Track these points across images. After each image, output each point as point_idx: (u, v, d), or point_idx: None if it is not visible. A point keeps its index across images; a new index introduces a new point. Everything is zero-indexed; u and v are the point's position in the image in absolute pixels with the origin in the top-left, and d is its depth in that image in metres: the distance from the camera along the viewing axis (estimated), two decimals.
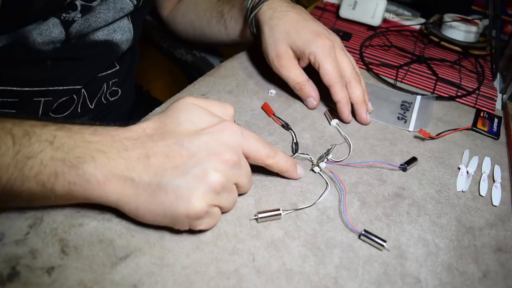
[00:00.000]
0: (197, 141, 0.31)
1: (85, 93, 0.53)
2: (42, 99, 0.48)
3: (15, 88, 0.46)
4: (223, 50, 0.85)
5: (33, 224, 0.32)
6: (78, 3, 0.45)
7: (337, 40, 0.50)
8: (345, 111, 0.48)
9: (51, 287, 0.28)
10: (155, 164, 0.30)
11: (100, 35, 0.51)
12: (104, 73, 0.55)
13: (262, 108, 0.51)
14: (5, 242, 0.31)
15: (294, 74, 0.50)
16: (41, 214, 0.33)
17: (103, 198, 0.30)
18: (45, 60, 0.46)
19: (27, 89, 0.47)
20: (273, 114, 0.49)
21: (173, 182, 0.30)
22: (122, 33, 0.53)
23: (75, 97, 0.52)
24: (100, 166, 0.29)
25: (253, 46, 0.64)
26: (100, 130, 0.31)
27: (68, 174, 0.29)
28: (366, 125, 0.50)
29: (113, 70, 0.56)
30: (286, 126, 0.48)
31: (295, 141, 0.46)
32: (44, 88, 0.48)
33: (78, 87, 0.51)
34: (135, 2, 0.52)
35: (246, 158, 0.34)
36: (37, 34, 0.43)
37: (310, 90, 0.50)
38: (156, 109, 0.48)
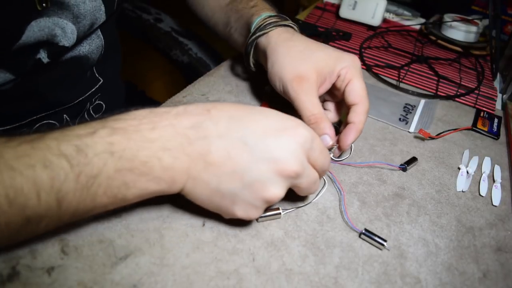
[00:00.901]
0: (262, 143, 0.30)
1: (67, 117, 0.50)
2: (18, 132, 0.44)
3: None
4: (223, 50, 0.85)
5: None
6: (43, 58, 0.41)
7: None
8: (355, 136, 0.41)
9: (51, 287, 0.28)
10: (215, 163, 0.29)
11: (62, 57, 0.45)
12: (88, 93, 0.51)
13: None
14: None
15: (313, 104, 0.41)
16: None
17: (170, 192, 0.31)
18: (8, 98, 0.42)
19: (0, 128, 0.44)
20: None
21: (230, 190, 0.30)
22: (89, 43, 0.47)
23: (55, 122, 0.48)
24: (167, 168, 0.29)
25: None
26: (158, 121, 0.29)
27: (138, 182, 0.28)
28: (342, 151, 0.43)
29: (98, 85, 0.52)
30: None
31: None
32: (18, 124, 0.44)
33: (55, 110, 0.47)
34: (106, 14, 0.47)
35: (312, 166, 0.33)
36: None
37: (326, 127, 0.40)
38: None
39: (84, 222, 0.33)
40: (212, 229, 0.34)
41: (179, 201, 0.36)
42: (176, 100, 0.50)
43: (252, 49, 0.48)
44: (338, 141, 0.41)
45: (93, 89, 0.52)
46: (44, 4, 0.39)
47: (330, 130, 0.41)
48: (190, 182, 0.30)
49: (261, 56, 0.48)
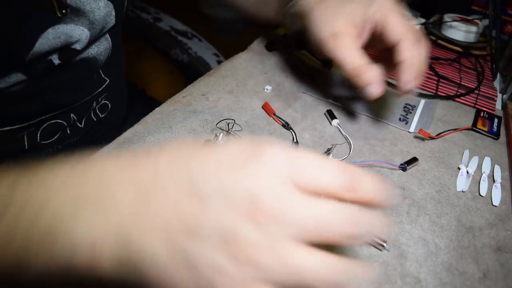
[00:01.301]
0: (216, 182, 0.20)
1: (74, 116, 0.50)
2: (25, 132, 0.46)
3: None
4: (223, 50, 0.85)
5: None
6: (54, 59, 0.41)
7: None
8: (411, 73, 0.39)
9: None
10: (159, 220, 0.20)
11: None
12: (94, 93, 0.51)
13: (262, 107, 0.51)
14: None
15: (352, 57, 0.40)
16: None
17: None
18: (17, 99, 0.42)
19: (8, 128, 0.43)
20: (274, 114, 0.49)
21: (192, 256, 0.19)
22: (98, 45, 0.48)
23: (62, 122, 0.49)
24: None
25: (252, 46, 0.65)
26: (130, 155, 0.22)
27: (13, 247, 0.20)
28: (403, 92, 0.41)
29: (104, 85, 0.53)
30: (286, 126, 0.48)
31: (295, 140, 0.46)
32: (26, 124, 0.45)
33: (63, 110, 0.48)
34: (116, 18, 0.47)
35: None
36: None
37: (370, 76, 0.40)
38: (156, 109, 0.48)
39: None
40: None
41: None
42: (176, 100, 0.50)
43: (290, 16, 0.48)
44: (398, 87, 0.41)
45: (100, 89, 0.52)
46: (64, 11, 0.39)
47: (377, 78, 0.40)
48: (122, 259, 0.21)
49: (298, 23, 0.48)
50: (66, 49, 0.42)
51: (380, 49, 0.45)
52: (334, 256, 0.21)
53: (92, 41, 0.46)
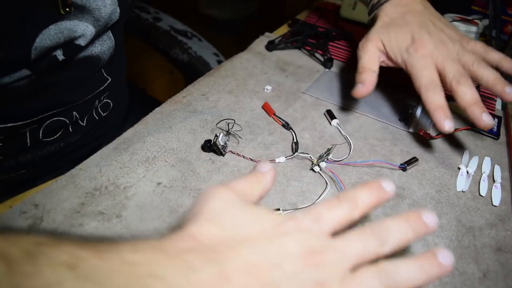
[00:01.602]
0: (274, 246, 0.23)
1: (77, 114, 0.51)
2: (27, 129, 0.46)
3: None
4: (223, 50, 0.85)
5: (33, 224, 0.32)
6: (59, 55, 0.42)
7: (445, 42, 0.46)
8: (437, 117, 0.42)
9: None
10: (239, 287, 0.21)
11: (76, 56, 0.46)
12: (97, 91, 0.52)
13: (262, 107, 0.51)
14: None
15: (366, 60, 0.48)
16: (41, 214, 0.33)
17: None
18: (20, 95, 0.43)
19: (11, 124, 0.44)
20: (274, 114, 0.49)
21: None
22: (101, 43, 0.48)
23: (64, 119, 0.49)
24: None
25: (252, 46, 0.65)
26: (143, 244, 0.22)
27: None
28: (486, 127, 0.43)
29: (106, 84, 0.53)
30: (286, 126, 0.48)
31: (295, 140, 0.46)
32: (29, 120, 0.45)
33: (66, 107, 0.48)
34: (120, 15, 0.47)
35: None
36: None
37: (366, 77, 0.46)
38: (156, 109, 0.48)
39: (84, 222, 0.33)
40: None
41: (179, 201, 0.36)
42: (176, 100, 0.50)
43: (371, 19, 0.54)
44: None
45: (102, 88, 0.53)
46: (67, 9, 0.39)
47: (367, 81, 0.46)
48: None
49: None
50: (70, 44, 0.42)
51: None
52: None
53: (95, 37, 0.46)
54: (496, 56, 0.46)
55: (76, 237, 0.23)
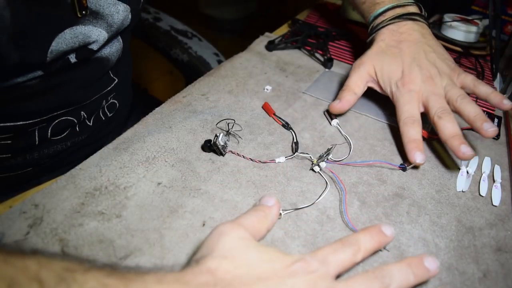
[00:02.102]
0: (285, 285, 0.25)
1: (84, 114, 0.52)
2: (36, 127, 0.47)
3: (9, 124, 0.44)
4: (223, 50, 0.85)
5: (33, 224, 0.32)
6: (71, 58, 0.43)
7: (434, 80, 0.47)
8: (408, 149, 0.44)
9: None
10: None
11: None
12: (104, 91, 0.53)
13: (262, 107, 0.51)
14: (5, 242, 0.31)
15: (353, 80, 0.50)
16: (41, 214, 0.33)
17: None
18: (31, 94, 0.44)
19: (21, 122, 0.44)
20: (274, 114, 0.49)
21: None
22: (110, 45, 0.50)
23: (73, 119, 0.50)
24: None
25: (252, 46, 0.64)
26: (167, 276, 0.24)
27: None
28: (465, 159, 0.44)
29: (113, 85, 0.54)
30: (286, 126, 0.48)
31: (295, 140, 0.46)
32: (39, 119, 0.46)
33: (74, 107, 0.49)
34: (131, 19, 0.49)
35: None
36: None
37: (345, 96, 0.49)
38: (156, 109, 0.48)
39: (84, 222, 0.33)
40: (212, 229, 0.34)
41: (179, 201, 0.36)
42: (176, 100, 0.50)
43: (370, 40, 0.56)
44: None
45: (109, 88, 0.54)
46: (84, 12, 0.40)
47: (345, 101, 0.49)
48: None
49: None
50: (84, 49, 0.43)
51: None
52: None
53: (107, 42, 0.47)
54: (484, 89, 0.47)
55: (105, 265, 0.24)
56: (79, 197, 0.35)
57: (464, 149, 0.42)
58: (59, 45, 0.40)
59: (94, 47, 0.45)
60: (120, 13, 0.45)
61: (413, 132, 0.44)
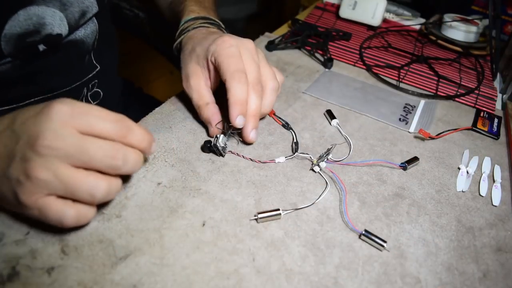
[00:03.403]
0: (23, 125, 0.29)
1: None
2: None
3: None
4: None
5: (33, 224, 0.32)
6: (40, 47, 0.43)
7: (247, 44, 0.44)
8: (234, 112, 0.40)
9: (51, 287, 0.28)
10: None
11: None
12: (85, 79, 0.53)
13: None
14: (5, 242, 0.31)
15: (197, 96, 0.44)
16: None
17: None
18: (6, 81, 0.44)
19: None
20: (274, 114, 0.49)
21: (5, 173, 0.29)
22: (84, 27, 0.49)
23: None
24: None
25: None
26: None
27: None
28: (248, 143, 0.44)
29: (94, 72, 0.54)
30: (286, 126, 0.48)
31: (295, 140, 0.46)
32: (15, 105, 0.45)
33: (53, 93, 0.49)
34: (98, 3, 0.49)
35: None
36: None
37: (209, 114, 0.43)
38: (156, 109, 0.48)
39: None
40: (212, 229, 0.34)
41: (179, 201, 0.36)
42: (176, 100, 0.50)
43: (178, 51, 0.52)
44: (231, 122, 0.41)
45: (90, 75, 0.54)
46: None
47: (213, 116, 0.43)
48: None
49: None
50: (49, 37, 0.43)
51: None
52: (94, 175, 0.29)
53: (74, 25, 0.47)
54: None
55: None
56: None
57: (240, 120, 0.40)
58: (12, 28, 0.40)
59: (58, 30, 0.44)
60: None
61: (240, 91, 0.40)
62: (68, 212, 0.29)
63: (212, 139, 0.41)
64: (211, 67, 0.44)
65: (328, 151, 0.43)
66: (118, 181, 0.31)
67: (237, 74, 0.40)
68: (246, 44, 0.44)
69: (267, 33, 0.70)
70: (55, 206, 0.29)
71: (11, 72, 0.43)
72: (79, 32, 0.49)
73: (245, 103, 0.40)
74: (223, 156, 0.42)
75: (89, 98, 0.56)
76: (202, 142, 0.43)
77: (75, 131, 0.29)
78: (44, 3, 0.42)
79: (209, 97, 0.45)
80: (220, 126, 0.43)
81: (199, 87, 0.44)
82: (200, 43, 0.45)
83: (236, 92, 0.40)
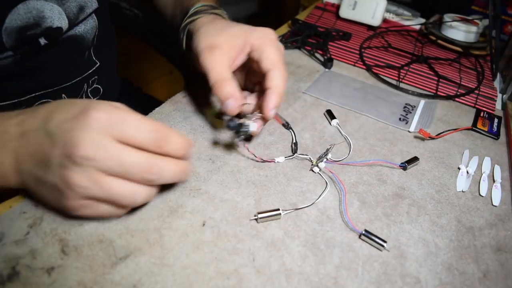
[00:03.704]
0: (60, 131, 0.29)
1: (65, 97, 0.51)
2: (17, 109, 0.47)
3: None
4: None
5: (33, 224, 0.32)
6: (41, 39, 0.43)
7: (281, 45, 0.44)
8: (271, 102, 0.40)
9: (51, 287, 0.28)
10: (30, 154, 0.31)
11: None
12: (85, 74, 0.53)
13: None
14: (5, 242, 0.31)
15: (219, 70, 0.40)
16: (41, 214, 0.33)
17: (6, 185, 0.33)
18: (7, 75, 0.44)
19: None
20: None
21: (44, 178, 0.30)
22: (84, 23, 0.50)
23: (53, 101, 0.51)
24: None
25: None
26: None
27: None
28: (267, 120, 0.42)
29: (94, 68, 0.55)
30: (286, 125, 0.48)
31: (294, 141, 0.46)
32: (16, 100, 0.46)
33: (53, 89, 0.49)
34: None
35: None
36: None
37: (230, 91, 0.40)
38: (156, 109, 0.48)
39: (85, 222, 0.33)
40: (212, 229, 0.34)
41: (179, 201, 0.36)
42: (176, 100, 0.50)
43: (184, 36, 0.49)
44: (261, 111, 0.41)
45: (90, 71, 0.54)
46: None
47: (235, 94, 0.40)
48: (20, 176, 0.32)
49: (188, 42, 0.48)
50: (49, 30, 0.44)
51: (255, 82, 0.46)
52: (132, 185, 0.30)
53: (73, 19, 0.47)
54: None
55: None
56: None
57: (273, 112, 0.40)
58: (13, 22, 0.40)
59: (58, 24, 0.45)
60: None
61: (282, 84, 0.41)
62: (116, 212, 0.32)
63: (230, 118, 0.40)
64: (247, 50, 0.43)
65: (327, 152, 0.43)
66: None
67: (282, 66, 0.41)
68: (280, 44, 0.44)
69: None
70: (101, 208, 0.31)
71: (12, 66, 0.43)
72: (79, 27, 0.49)
73: (281, 96, 0.40)
74: (248, 140, 0.40)
75: (89, 94, 0.56)
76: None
77: (112, 140, 0.29)
78: None
79: (231, 74, 0.41)
80: (244, 108, 0.42)
81: (224, 61, 0.42)
82: (234, 24, 0.44)
83: (279, 83, 0.40)
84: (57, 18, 0.45)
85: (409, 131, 0.51)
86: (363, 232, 0.35)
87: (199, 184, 0.39)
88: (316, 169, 0.42)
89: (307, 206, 0.38)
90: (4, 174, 0.32)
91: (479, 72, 0.68)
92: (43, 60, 0.46)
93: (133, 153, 0.29)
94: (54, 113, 0.31)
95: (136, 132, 0.29)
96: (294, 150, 0.44)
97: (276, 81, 0.40)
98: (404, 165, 0.44)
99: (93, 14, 0.51)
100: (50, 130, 0.30)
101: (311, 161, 0.43)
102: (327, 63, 0.62)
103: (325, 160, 0.42)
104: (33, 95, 0.47)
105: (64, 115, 0.30)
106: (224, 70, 0.41)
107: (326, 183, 0.41)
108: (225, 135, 0.45)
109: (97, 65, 0.55)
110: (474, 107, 0.58)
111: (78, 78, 0.52)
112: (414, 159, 0.45)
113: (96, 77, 0.56)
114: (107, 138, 0.29)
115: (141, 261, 0.31)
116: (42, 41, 0.44)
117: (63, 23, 0.46)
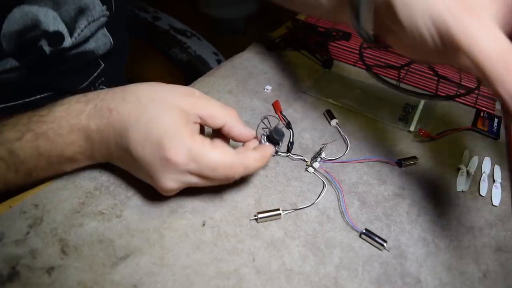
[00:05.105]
0: (141, 160, 0.32)
1: None
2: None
3: None
4: (222, 49, 0.85)
5: (33, 224, 0.32)
6: (44, 46, 0.43)
7: None
8: None
9: (51, 287, 0.28)
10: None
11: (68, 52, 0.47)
12: (91, 78, 0.53)
13: (272, 105, 0.51)
14: (5, 242, 0.31)
15: (496, 41, 0.26)
16: (41, 214, 0.33)
17: (97, 161, 0.37)
18: (12, 88, 0.44)
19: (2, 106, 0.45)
20: (280, 112, 0.49)
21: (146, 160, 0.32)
22: (96, 40, 0.50)
23: None
24: (89, 157, 0.36)
25: (252, 46, 0.64)
26: (74, 125, 0.34)
27: (69, 166, 0.36)
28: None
29: (99, 70, 0.55)
30: (288, 125, 0.48)
31: (290, 140, 0.45)
32: (21, 101, 0.46)
33: (61, 93, 0.49)
34: (108, 12, 0.49)
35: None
36: None
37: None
38: None
39: (84, 222, 0.33)
40: (212, 229, 0.34)
41: (179, 201, 0.36)
42: None
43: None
44: None
45: (96, 74, 0.54)
46: None
47: None
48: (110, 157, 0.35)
49: (377, 12, 0.32)
50: (49, 34, 0.44)
51: None
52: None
53: (72, 23, 0.46)
54: None
55: (32, 119, 0.33)
56: (79, 197, 0.35)
57: None
58: (10, 27, 0.40)
59: (51, 27, 0.44)
60: None
61: None
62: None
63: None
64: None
65: (320, 151, 0.43)
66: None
67: None
68: None
69: (267, 33, 0.70)
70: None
71: (19, 79, 0.43)
72: (89, 44, 0.49)
73: None
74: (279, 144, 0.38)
75: None
76: None
77: (191, 175, 0.32)
78: (36, 2, 0.42)
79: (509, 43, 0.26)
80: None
81: (496, 26, 0.27)
82: None
83: None
84: (52, 22, 0.44)
85: (409, 131, 0.51)
86: (364, 231, 0.35)
87: None
88: (310, 169, 0.41)
89: (307, 206, 0.38)
90: (95, 159, 0.36)
91: None
92: (51, 72, 0.46)
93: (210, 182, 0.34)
94: (128, 132, 0.32)
95: (211, 174, 0.32)
96: (290, 150, 0.44)
97: None
98: (400, 162, 0.44)
99: (106, 31, 0.50)
100: (130, 152, 0.32)
101: (305, 161, 0.43)
102: (327, 63, 0.62)
103: (319, 159, 0.42)
104: (38, 96, 0.47)
105: (140, 140, 0.32)
106: (504, 42, 0.26)
107: (324, 183, 0.41)
108: None
109: (102, 66, 0.55)
110: (474, 107, 0.58)
111: (84, 84, 0.52)
112: (412, 158, 0.45)
113: (102, 78, 0.56)
114: (185, 174, 0.32)
115: (141, 261, 0.31)
116: (47, 48, 0.43)
117: (60, 27, 0.45)
